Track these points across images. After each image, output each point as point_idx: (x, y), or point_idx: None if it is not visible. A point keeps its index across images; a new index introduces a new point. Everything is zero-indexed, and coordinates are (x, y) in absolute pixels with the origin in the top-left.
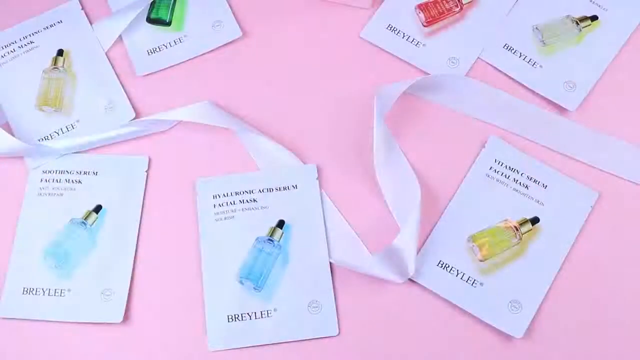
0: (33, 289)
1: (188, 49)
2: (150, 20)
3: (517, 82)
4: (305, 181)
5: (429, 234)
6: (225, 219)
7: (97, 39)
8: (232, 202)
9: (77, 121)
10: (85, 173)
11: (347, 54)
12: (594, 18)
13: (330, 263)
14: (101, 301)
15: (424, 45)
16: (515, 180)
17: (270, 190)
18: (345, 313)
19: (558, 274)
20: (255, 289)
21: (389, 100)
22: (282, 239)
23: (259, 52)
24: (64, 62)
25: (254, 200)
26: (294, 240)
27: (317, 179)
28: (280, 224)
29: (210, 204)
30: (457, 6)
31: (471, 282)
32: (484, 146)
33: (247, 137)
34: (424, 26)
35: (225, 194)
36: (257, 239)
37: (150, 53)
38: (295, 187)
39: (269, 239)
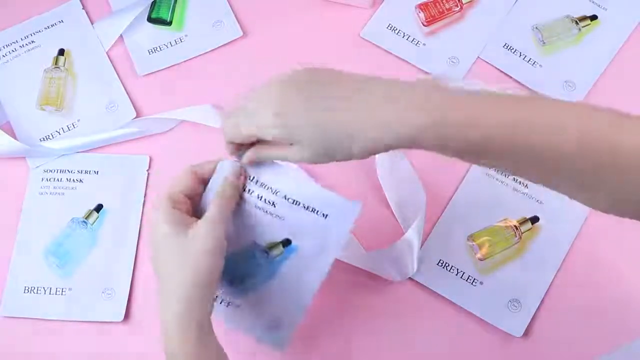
0: (34, 288)
1: (189, 49)
2: (150, 19)
3: (517, 81)
4: None
5: (429, 234)
6: None
7: (98, 38)
8: None
9: (78, 120)
10: (86, 172)
11: (348, 54)
12: (594, 17)
13: None
14: (102, 300)
15: (424, 44)
16: (515, 179)
17: None
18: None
19: (558, 273)
20: None
21: None
22: None
23: (259, 51)
24: (65, 62)
25: None
26: None
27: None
28: None
29: None
30: (457, 6)
31: (471, 281)
32: None
33: None
34: (424, 25)
35: None
36: None
37: (151, 52)
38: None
39: None
